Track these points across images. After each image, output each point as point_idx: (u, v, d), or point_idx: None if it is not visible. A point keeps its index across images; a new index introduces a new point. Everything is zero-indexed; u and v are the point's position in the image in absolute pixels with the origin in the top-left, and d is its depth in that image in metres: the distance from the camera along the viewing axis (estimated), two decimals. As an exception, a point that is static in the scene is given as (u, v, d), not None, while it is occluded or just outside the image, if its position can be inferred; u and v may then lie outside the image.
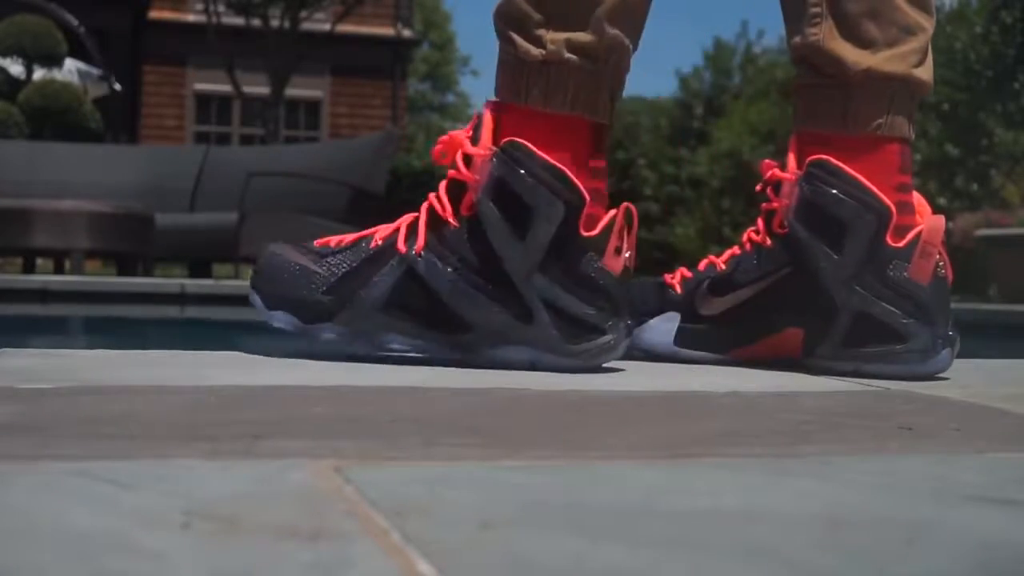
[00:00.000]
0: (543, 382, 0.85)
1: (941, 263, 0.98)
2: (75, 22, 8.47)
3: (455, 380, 0.84)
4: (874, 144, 1.00)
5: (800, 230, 0.99)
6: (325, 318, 0.95)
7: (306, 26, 11.89)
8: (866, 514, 0.43)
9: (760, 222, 1.06)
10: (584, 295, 0.91)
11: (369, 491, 0.43)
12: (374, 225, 0.99)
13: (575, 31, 0.94)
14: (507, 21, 0.96)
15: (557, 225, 0.90)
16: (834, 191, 0.97)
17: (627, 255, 0.94)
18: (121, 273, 5.52)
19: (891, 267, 0.96)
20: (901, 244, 0.97)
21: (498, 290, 0.92)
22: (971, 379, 1.00)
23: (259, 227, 5.14)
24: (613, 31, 0.94)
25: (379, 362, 0.95)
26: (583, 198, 0.91)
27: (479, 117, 0.95)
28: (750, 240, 1.06)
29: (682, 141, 12.50)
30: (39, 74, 8.48)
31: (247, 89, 11.81)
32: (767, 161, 1.06)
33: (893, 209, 0.96)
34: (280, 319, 0.97)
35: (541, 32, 0.94)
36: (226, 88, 12.42)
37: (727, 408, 0.74)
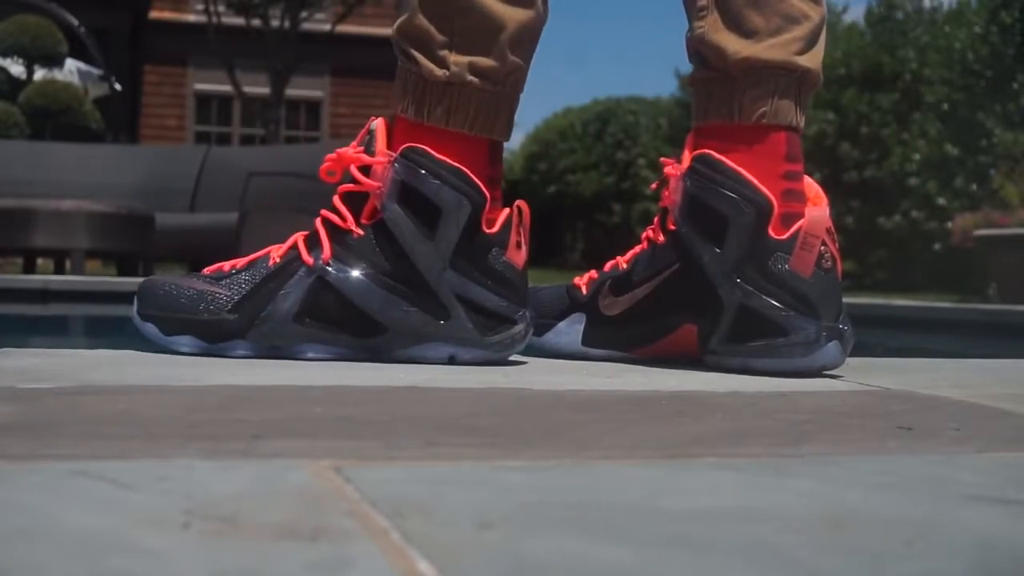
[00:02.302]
0: (543, 382, 0.85)
1: (827, 254, 0.97)
2: (75, 22, 8.47)
3: (455, 380, 0.84)
4: (759, 133, 0.99)
5: (684, 226, 1.00)
6: (234, 335, 0.96)
7: (306, 26, 11.88)
8: (866, 514, 0.43)
9: (657, 219, 1.06)
10: (494, 288, 0.96)
11: (369, 491, 0.43)
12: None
13: (478, 56, 0.97)
14: (409, 39, 0.99)
15: (465, 222, 0.95)
16: (713, 185, 0.97)
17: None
18: (121, 273, 5.52)
19: (772, 260, 0.95)
20: (784, 236, 0.96)
21: (411, 290, 0.96)
22: (971, 379, 1.00)
23: (259, 227, 5.14)
24: (514, 58, 0.98)
25: (379, 362, 0.96)
26: (484, 196, 0.96)
27: (370, 131, 0.99)
28: (647, 238, 1.07)
29: (682, 141, 12.48)
30: (39, 74, 8.48)
31: (247, 89, 11.81)
32: (664, 159, 1.07)
33: (773, 201, 0.96)
34: (184, 343, 0.97)
35: (445, 53, 0.97)
36: (226, 88, 12.42)
37: (727, 408, 0.74)
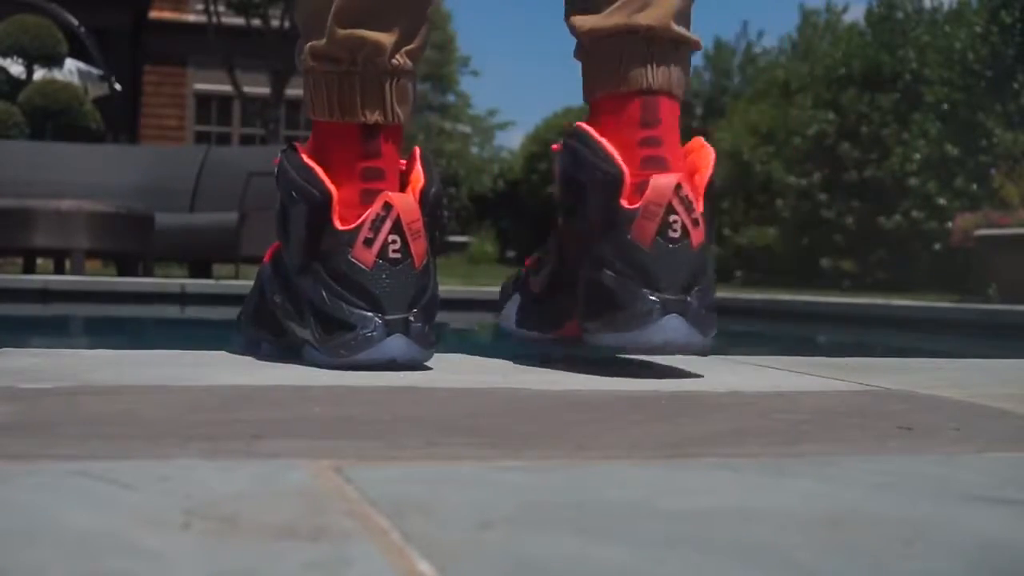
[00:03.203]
0: (543, 382, 0.85)
1: (675, 223, 0.89)
2: (75, 22, 8.47)
3: (455, 380, 0.84)
4: (614, 103, 0.96)
5: (559, 200, 0.99)
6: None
7: (306, 26, 11.87)
8: (866, 514, 0.43)
9: None
10: (335, 290, 0.91)
11: (369, 491, 0.43)
12: None
13: (316, 39, 0.96)
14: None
15: (305, 222, 0.92)
16: (573, 158, 0.94)
17: (389, 246, 0.90)
18: (121, 273, 5.52)
19: (620, 231, 0.91)
20: (635, 206, 0.91)
21: (289, 293, 0.97)
22: (971, 379, 1.00)
23: (259, 227, 5.14)
24: (344, 32, 0.94)
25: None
26: (323, 193, 0.92)
27: None
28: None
29: (682, 141, 12.50)
30: (39, 74, 8.48)
31: (247, 89, 11.81)
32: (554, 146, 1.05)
33: (624, 170, 0.91)
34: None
35: (302, 43, 0.98)
36: (226, 88, 12.42)
37: (727, 408, 0.74)
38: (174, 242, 5.58)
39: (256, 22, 11.68)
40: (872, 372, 1.02)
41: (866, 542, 0.38)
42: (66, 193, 5.36)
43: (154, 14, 13.25)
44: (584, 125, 0.95)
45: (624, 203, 0.91)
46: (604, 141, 0.93)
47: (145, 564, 0.33)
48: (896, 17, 10.57)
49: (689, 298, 0.89)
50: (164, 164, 6.38)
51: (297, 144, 0.97)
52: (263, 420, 0.62)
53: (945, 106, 8.99)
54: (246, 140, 13.58)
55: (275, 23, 11.65)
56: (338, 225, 0.91)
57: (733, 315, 4.77)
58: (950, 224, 7.03)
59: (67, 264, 5.26)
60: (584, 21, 0.98)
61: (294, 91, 12.53)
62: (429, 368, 0.92)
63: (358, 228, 0.90)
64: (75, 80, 8.55)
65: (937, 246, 8.65)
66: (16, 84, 8.35)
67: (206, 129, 13.89)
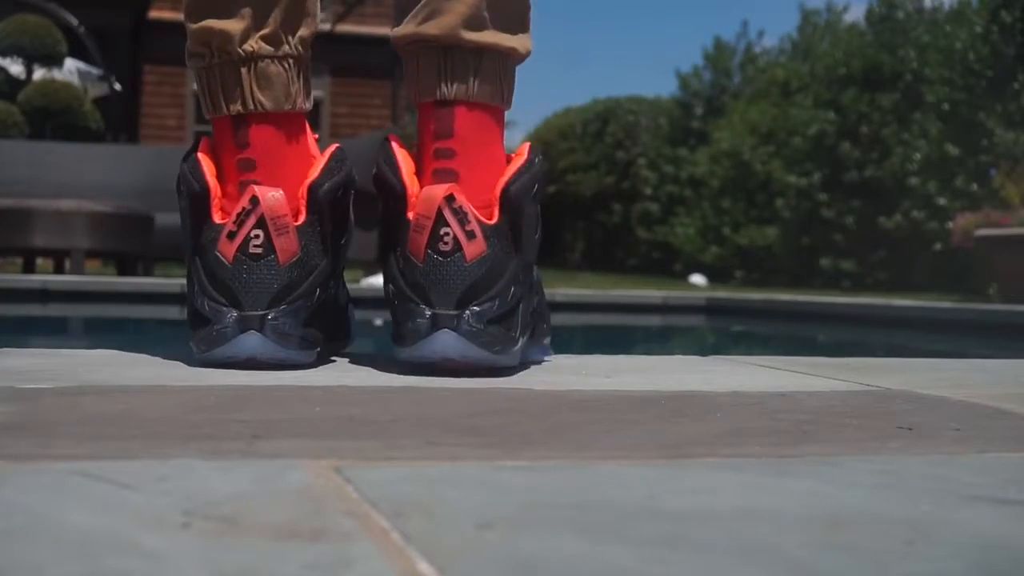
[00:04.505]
0: (543, 382, 0.85)
1: (447, 236, 0.87)
2: (75, 22, 8.47)
3: (455, 380, 0.84)
4: (421, 113, 0.95)
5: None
6: None
7: (306, 26, 11.88)
8: (866, 514, 0.43)
9: None
10: (203, 283, 0.91)
11: (369, 491, 0.43)
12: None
13: (187, 37, 0.97)
14: None
15: (188, 214, 0.93)
16: (376, 170, 0.93)
17: (251, 240, 0.89)
18: (121, 273, 5.52)
19: (404, 245, 0.90)
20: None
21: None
22: (971, 379, 1.00)
23: (259, 227, 5.14)
24: (196, 26, 0.96)
25: (378, 363, 0.95)
26: (205, 186, 0.92)
27: None
28: None
29: (682, 141, 12.49)
30: (39, 74, 8.47)
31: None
32: None
33: (406, 184, 0.90)
34: None
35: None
36: (226, 88, 12.40)
37: (727, 408, 0.74)
38: (174, 242, 5.56)
39: (256, 22, 11.67)
40: (872, 372, 1.02)
41: (866, 542, 0.38)
42: (66, 193, 5.36)
43: (154, 14, 13.24)
44: (392, 137, 0.94)
45: (409, 216, 0.89)
46: (400, 155, 0.92)
47: (145, 564, 0.33)
48: (896, 17, 10.56)
49: (466, 313, 0.86)
50: (164, 164, 6.37)
51: (205, 139, 0.97)
52: (263, 420, 0.62)
53: (945, 106, 8.99)
54: (246, 140, 13.56)
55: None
56: (215, 218, 0.91)
57: (733, 315, 4.77)
58: (950, 224, 7.03)
59: (67, 264, 5.26)
60: (393, 31, 0.97)
61: (294, 91, 12.53)
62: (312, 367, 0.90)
63: (226, 222, 0.90)
64: (75, 80, 8.54)
65: (937, 246, 8.65)
66: (16, 84, 8.34)
67: (206, 129, 13.84)
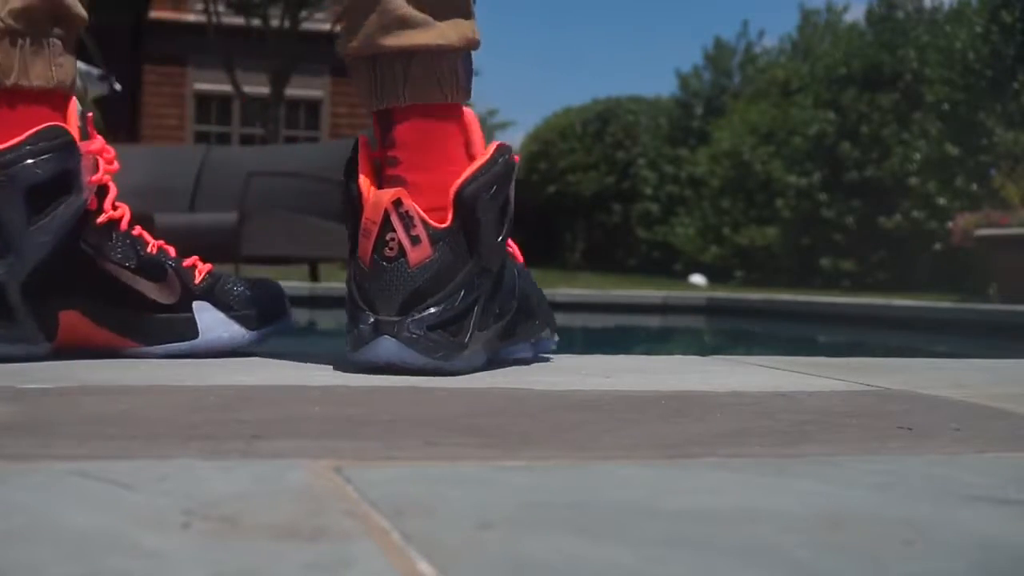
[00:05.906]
0: (543, 382, 0.85)
1: (391, 241, 0.86)
2: (75, 22, 8.44)
3: (455, 380, 0.84)
4: (373, 121, 0.94)
5: None
6: None
7: (306, 26, 11.89)
8: (866, 514, 0.43)
9: None
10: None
11: (369, 491, 0.43)
12: None
13: None
14: None
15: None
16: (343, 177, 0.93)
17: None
18: (121, 273, 5.50)
19: (356, 251, 0.90)
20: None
21: None
22: (971, 379, 1.00)
23: (259, 227, 5.14)
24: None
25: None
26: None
27: None
28: None
29: (682, 141, 12.49)
30: (39, 74, 8.46)
31: (247, 89, 11.81)
32: None
33: (362, 190, 0.89)
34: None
35: None
36: (226, 88, 12.41)
37: (727, 408, 0.74)
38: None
39: (256, 22, 11.68)
40: (872, 372, 1.02)
41: (866, 542, 0.38)
42: (66, 193, 5.35)
43: (154, 14, 13.25)
44: (362, 139, 0.93)
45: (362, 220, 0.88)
46: (362, 159, 0.91)
47: (145, 564, 0.33)
48: (896, 17, 10.57)
49: (408, 319, 0.85)
50: (164, 164, 6.38)
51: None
52: (263, 420, 0.62)
53: (945, 106, 8.99)
54: (246, 140, 13.57)
55: (275, 23, 11.65)
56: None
57: (733, 315, 4.77)
58: (950, 224, 7.03)
59: (67, 264, 5.25)
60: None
61: (294, 91, 12.55)
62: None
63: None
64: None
65: (937, 246, 8.65)
66: (16, 84, 8.33)
67: (206, 129, 13.88)
